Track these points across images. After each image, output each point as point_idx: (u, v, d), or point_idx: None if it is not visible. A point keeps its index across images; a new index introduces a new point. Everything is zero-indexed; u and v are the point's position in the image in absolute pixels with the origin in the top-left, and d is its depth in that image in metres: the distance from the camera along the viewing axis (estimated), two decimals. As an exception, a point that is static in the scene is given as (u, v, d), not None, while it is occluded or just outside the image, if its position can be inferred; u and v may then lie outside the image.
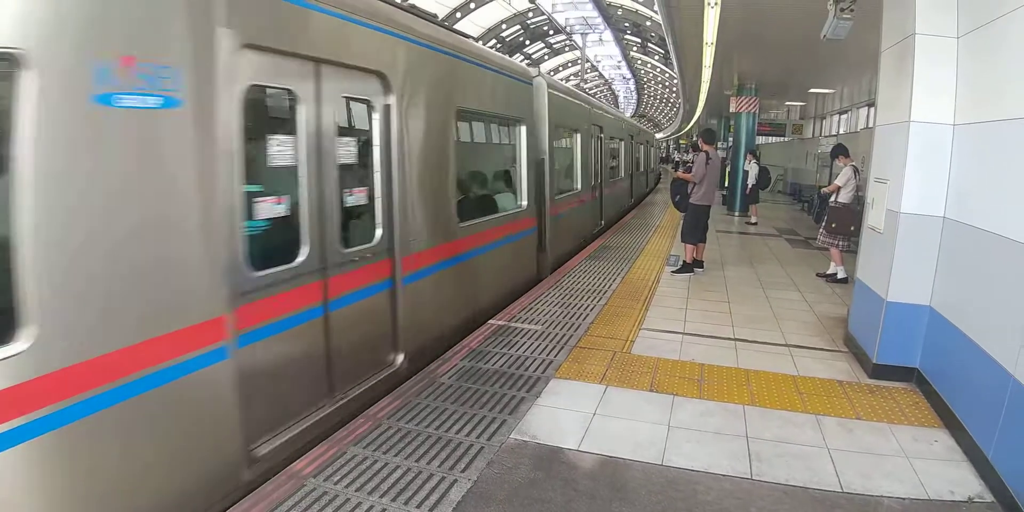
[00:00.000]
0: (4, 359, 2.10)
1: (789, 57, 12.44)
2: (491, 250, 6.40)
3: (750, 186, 14.99)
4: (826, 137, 20.27)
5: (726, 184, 17.63)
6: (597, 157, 12.25)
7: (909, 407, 4.18)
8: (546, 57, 50.28)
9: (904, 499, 3.10)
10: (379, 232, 4.37)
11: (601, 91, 69.10)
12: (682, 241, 8.60)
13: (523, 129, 7.59)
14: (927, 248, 4.33)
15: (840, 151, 8.92)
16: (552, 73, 49.83)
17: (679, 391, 4.41)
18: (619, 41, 45.39)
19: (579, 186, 10.57)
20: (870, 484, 3.23)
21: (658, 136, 50.83)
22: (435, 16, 5.51)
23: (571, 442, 3.62)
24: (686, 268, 8.47)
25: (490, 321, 5.94)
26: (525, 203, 7.43)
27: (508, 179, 7.58)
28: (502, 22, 40.12)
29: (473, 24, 36.81)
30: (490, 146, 7.62)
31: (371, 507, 2.93)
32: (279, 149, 3.50)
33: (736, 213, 16.42)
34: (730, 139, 20.04)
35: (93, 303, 2.41)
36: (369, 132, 4.31)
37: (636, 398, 4.29)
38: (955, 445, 3.65)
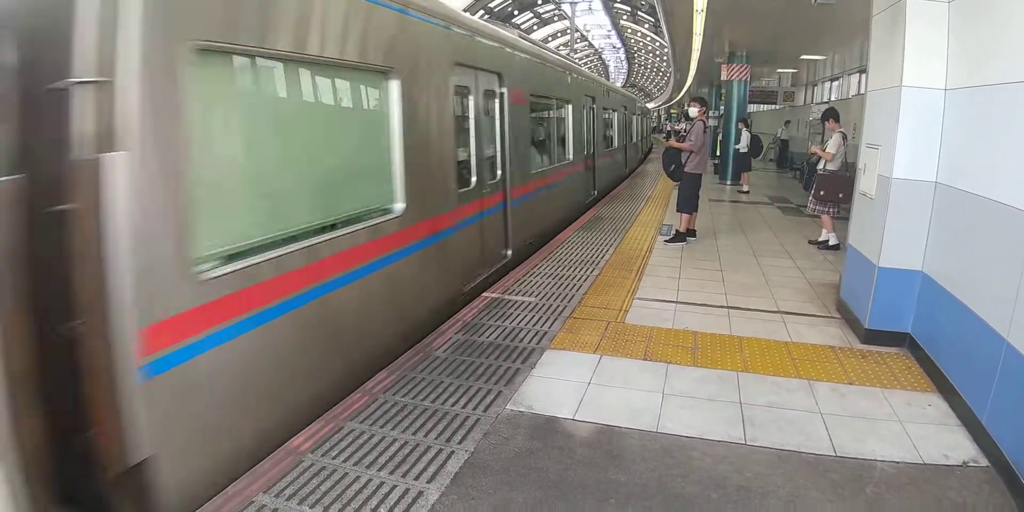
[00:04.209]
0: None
1: (780, 23, 12.27)
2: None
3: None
4: (817, 104, 20.13)
5: (717, 153, 17.54)
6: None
7: (902, 372, 4.22)
8: (535, 27, 49.58)
9: (898, 463, 3.13)
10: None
11: (591, 60, 68.44)
12: (678, 210, 8.59)
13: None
14: (919, 213, 4.32)
15: (831, 114, 8.84)
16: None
17: (673, 359, 4.43)
18: (608, 9, 44.83)
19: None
20: (864, 448, 3.26)
21: (649, 106, 50.06)
22: None
23: (567, 411, 3.65)
24: (679, 237, 8.48)
25: (484, 294, 5.94)
26: None
27: None
28: (489, -9, 39.42)
29: (459, -6, 36.08)
30: None
31: (369, 480, 2.94)
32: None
33: (728, 182, 16.36)
34: (721, 107, 19.86)
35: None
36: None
37: (631, 367, 4.32)
38: (949, 409, 3.68)
